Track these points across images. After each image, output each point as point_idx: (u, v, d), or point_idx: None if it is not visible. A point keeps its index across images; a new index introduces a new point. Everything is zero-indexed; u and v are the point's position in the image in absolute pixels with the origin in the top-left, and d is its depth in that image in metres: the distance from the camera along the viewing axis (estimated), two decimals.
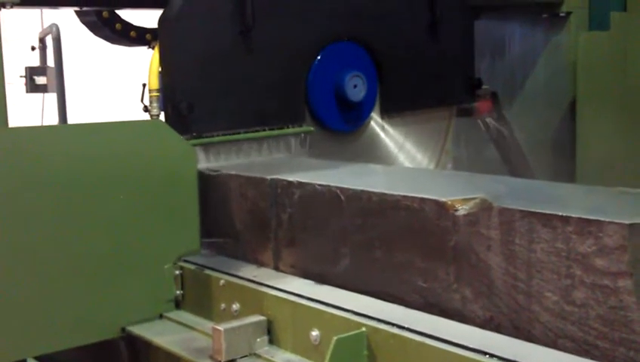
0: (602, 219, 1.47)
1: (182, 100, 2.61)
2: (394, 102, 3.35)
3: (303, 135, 3.00)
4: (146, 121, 2.67)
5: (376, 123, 3.35)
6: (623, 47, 3.50)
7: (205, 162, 2.63)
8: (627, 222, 1.43)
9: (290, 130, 2.96)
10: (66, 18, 4.51)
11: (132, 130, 2.34)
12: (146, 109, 2.87)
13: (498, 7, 3.79)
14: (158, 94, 2.71)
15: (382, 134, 3.39)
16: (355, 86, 3.10)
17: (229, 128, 2.76)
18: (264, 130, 2.86)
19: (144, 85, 2.90)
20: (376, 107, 3.31)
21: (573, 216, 1.52)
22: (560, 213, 1.54)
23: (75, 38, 5.45)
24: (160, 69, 2.69)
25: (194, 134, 2.63)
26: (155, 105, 2.73)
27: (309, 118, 3.05)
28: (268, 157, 2.87)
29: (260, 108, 2.85)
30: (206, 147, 2.68)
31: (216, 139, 2.72)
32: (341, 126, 3.18)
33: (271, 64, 2.86)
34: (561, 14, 3.75)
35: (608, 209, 1.59)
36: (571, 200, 1.79)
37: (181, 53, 2.65)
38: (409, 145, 3.51)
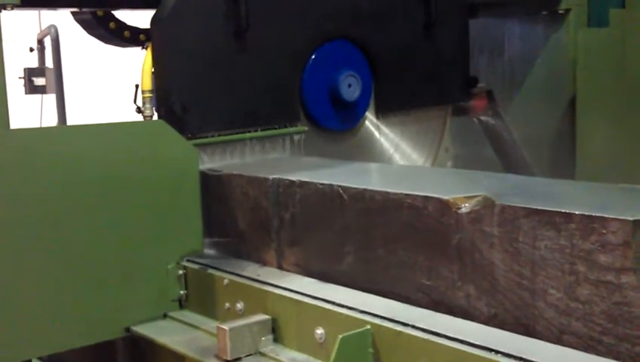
0: (606, 215, 1.48)
1: (175, 101, 2.60)
2: (389, 102, 3.34)
3: (297, 135, 2.99)
4: (147, 121, 2.67)
5: (371, 122, 3.35)
6: (622, 43, 3.51)
7: (200, 163, 2.61)
8: (631, 218, 1.44)
9: (285, 130, 2.94)
10: (65, 19, 4.50)
11: (133, 130, 2.34)
12: (139, 110, 2.86)
13: (497, 4, 3.79)
14: (151, 95, 2.70)
15: (377, 134, 3.38)
16: (350, 85, 3.08)
17: (223, 128, 2.74)
18: (259, 130, 2.86)
19: (137, 86, 2.89)
20: (371, 106, 3.31)
21: (577, 212, 1.53)
22: (563, 210, 1.55)
23: (74, 39, 5.44)
24: (153, 70, 2.67)
25: (188, 135, 2.61)
26: (148, 106, 2.71)
27: (303, 118, 3.04)
28: (266, 157, 2.87)
29: (255, 108, 2.84)
30: (200, 148, 2.65)
31: (210, 139, 2.70)
32: (336, 125, 3.17)
33: (265, 64, 2.85)
34: (560, 11, 3.76)
35: (611, 205, 1.60)
36: (574, 197, 1.80)
37: (174, 54, 2.64)
38: (404, 145, 3.50)
